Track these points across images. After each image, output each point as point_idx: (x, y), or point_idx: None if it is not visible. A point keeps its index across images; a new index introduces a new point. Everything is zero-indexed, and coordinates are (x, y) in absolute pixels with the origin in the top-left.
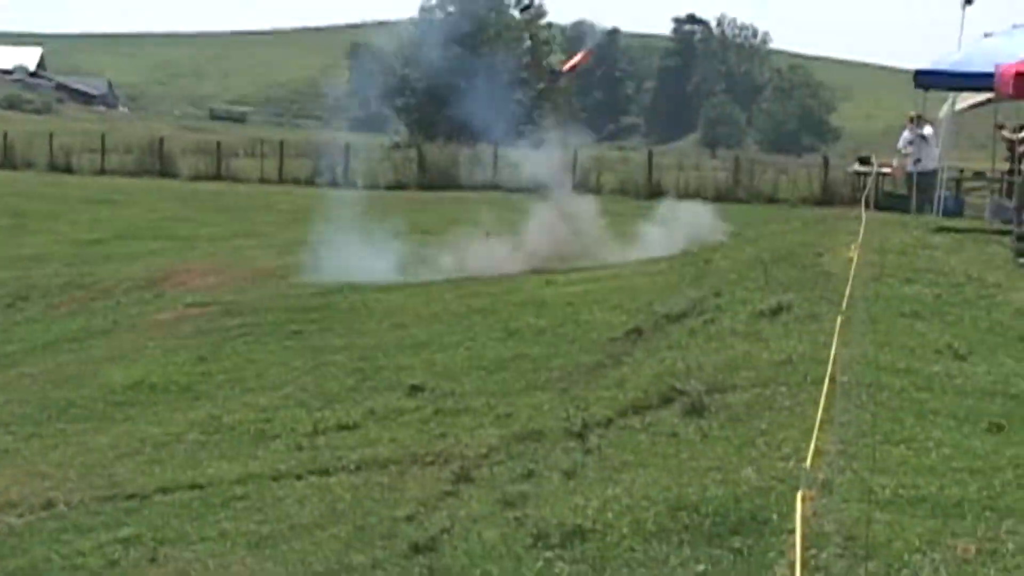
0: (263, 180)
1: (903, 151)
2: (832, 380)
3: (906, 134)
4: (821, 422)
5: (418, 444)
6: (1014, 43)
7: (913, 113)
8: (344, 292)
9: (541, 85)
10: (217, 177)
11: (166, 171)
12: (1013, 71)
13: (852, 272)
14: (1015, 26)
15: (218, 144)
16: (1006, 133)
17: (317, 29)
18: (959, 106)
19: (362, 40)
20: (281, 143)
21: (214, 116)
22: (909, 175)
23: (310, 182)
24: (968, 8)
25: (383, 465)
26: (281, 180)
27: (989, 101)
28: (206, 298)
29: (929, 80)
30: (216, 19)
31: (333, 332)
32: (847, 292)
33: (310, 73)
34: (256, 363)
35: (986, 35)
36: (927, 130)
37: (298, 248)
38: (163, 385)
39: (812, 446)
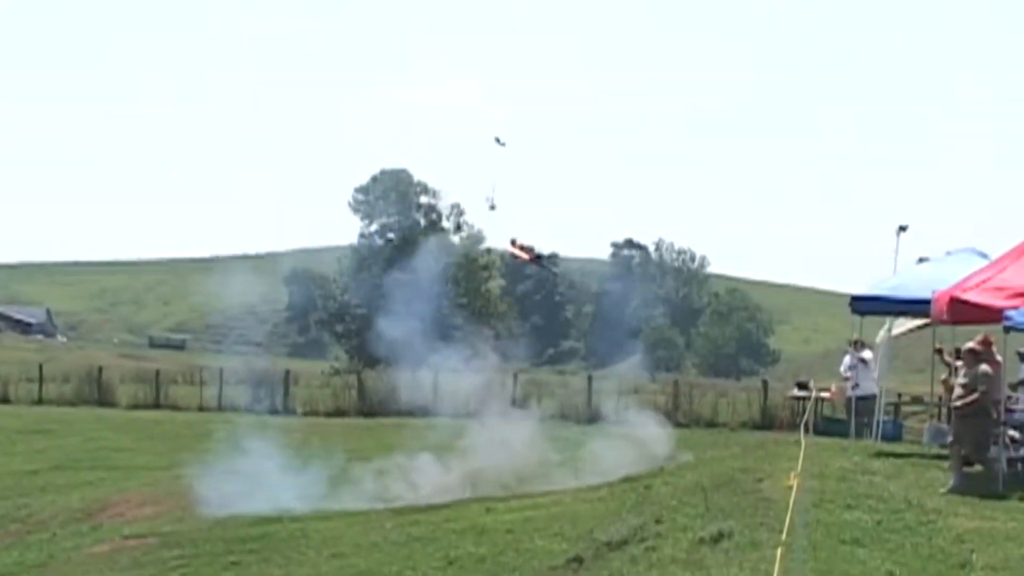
0: (202, 408)
1: (844, 375)
2: None
3: (847, 359)
4: None
5: None
6: (948, 269)
7: (853, 338)
8: (283, 521)
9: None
10: (156, 405)
11: (104, 400)
12: (948, 297)
13: (792, 499)
14: (949, 252)
15: (157, 372)
16: (947, 357)
17: (256, 256)
18: (896, 331)
19: (301, 266)
20: (220, 370)
21: (153, 344)
22: (849, 400)
23: (249, 409)
24: (903, 234)
25: None
26: (220, 407)
27: (926, 326)
28: (143, 529)
29: (865, 305)
30: (154, 246)
31: (272, 563)
32: (787, 519)
33: (249, 299)
34: None
35: (920, 260)
36: (867, 354)
37: (237, 477)
38: None
39: None
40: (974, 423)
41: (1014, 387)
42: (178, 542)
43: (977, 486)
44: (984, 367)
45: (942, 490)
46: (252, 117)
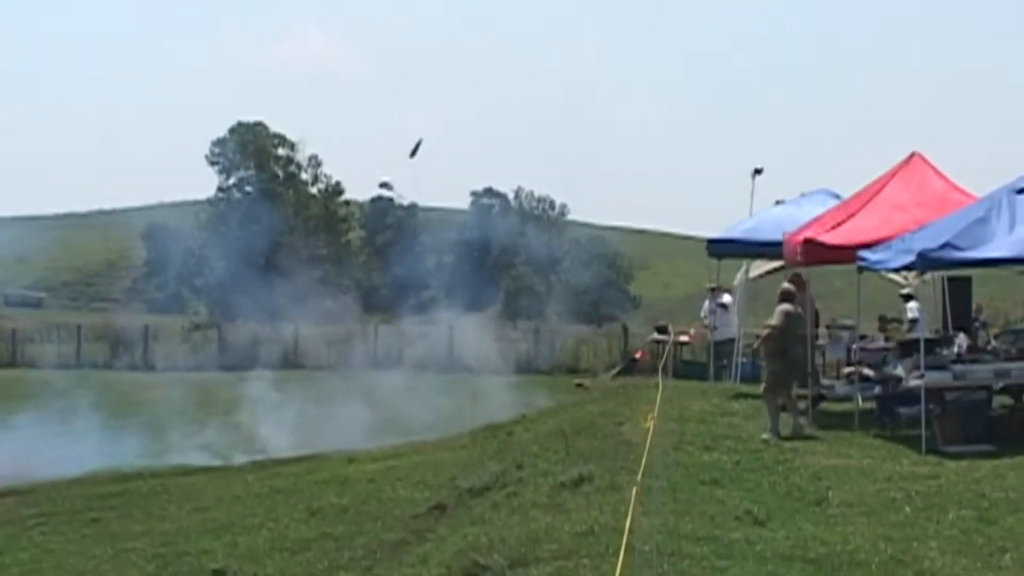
0: (60, 365)
1: (705, 320)
2: (633, 550)
3: (707, 304)
4: None
5: None
6: (802, 211)
7: (712, 284)
8: (143, 477)
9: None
10: (12, 364)
11: None
12: (800, 238)
13: (649, 441)
14: (803, 194)
15: (13, 331)
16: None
17: (112, 211)
18: (753, 273)
19: (158, 222)
20: (78, 327)
21: (8, 302)
22: (708, 343)
23: (108, 366)
24: (758, 177)
25: None
26: (79, 365)
27: (782, 267)
28: (1, 489)
29: (721, 248)
30: (8, 203)
31: (133, 518)
32: (645, 461)
33: (107, 256)
34: (53, 553)
35: (777, 202)
36: (726, 299)
37: (97, 433)
38: None
39: None
40: (769, 363)
41: (845, 327)
42: (36, 500)
43: (834, 425)
44: (783, 306)
45: (763, 435)
46: (107, 68)
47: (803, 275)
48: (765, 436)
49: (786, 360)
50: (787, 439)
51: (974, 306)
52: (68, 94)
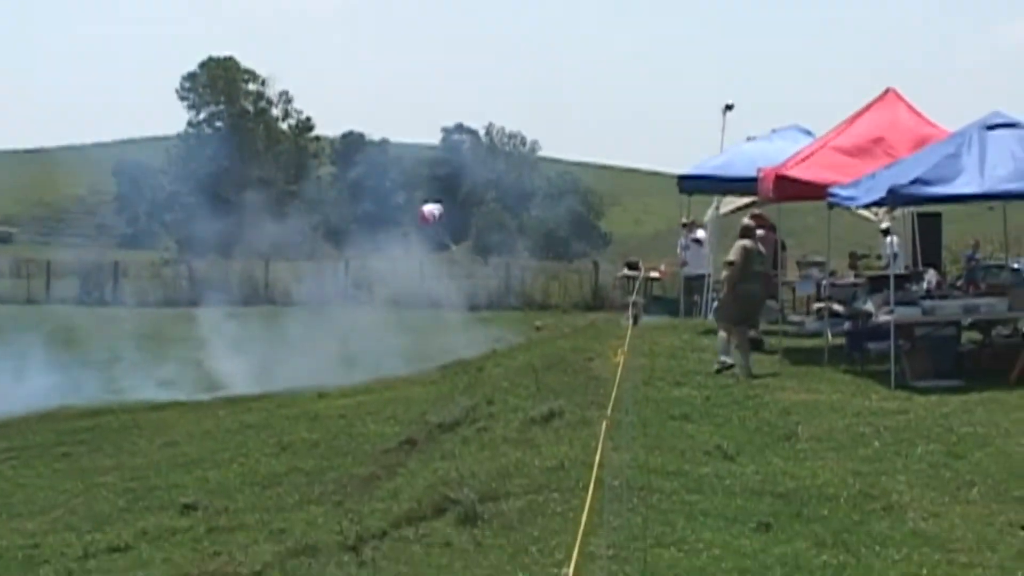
0: (30, 300)
1: (681, 256)
2: (603, 484)
3: (682, 239)
4: (594, 527)
5: (191, 563)
6: (774, 147)
7: (685, 219)
8: (114, 412)
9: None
10: None
11: None
12: (773, 174)
13: (620, 376)
14: (775, 130)
15: None
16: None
17: (82, 147)
18: (723, 209)
19: (128, 157)
20: (48, 263)
21: None
22: (680, 279)
23: (79, 301)
24: (729, 114)
25: None
26: (49, 300)
27: (753, 203)
28: None
29: (692, 184)
30: None
31: (103, 452)
32: (614, 396)
33: (77, 191)
34: (24, 487)
35: (749, 139)
36: (700, 234)
37: (67, 368)
38: None
39: (576, 552)
40: (723, 299)
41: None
42: (7, 435)
43: (804, 360)
44: (741, 242)
45: (715, 366)
46: (76, 2)
47: (775, 212)
48: (716, 365)
49: (735, 294)
50: (755, 376)
51: (972, 241)
52: (36, 28)
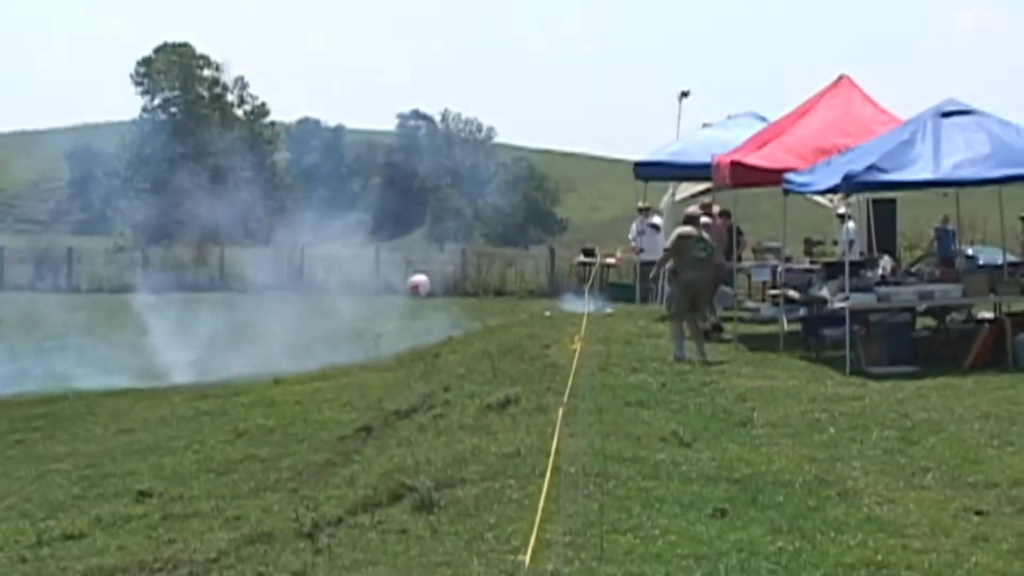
0: None
1: (633, 242)
2: (559, 471)
3: (635, 225)
4: (550, 513)
5: (146, 551)
6: (730, 133)
7: (641, 204)
8: (68, 399)
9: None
10: None
11: None
12: (728, 160)
13: (576, 363)
14: (730, 117)
15: None
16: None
17: (36, 132)
18: (679, 196)
19: (82, 142)
20: (1, 249)
21: None
22: (635, 265)
23: (32, 288)
24: (685, 100)
25: (110, 574)
26: (2, 287)
27: (708, 190)
28: None
29: (648, 171)
30: None
31: (57, 439)
32: (570, 383)
33: (30, 176)
34: None
35: (704, 125)
36: (656, 220)
37: (21, 355)
38: None
39: (532, 539)
40: (671, 290)
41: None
42: None
43: (759, 347)
44: (678, 229)
45: (668, 356)
46: None
47: (731, 199)
48: (671, 357)
49: (679, 282)
50: (710, 363)
51: (941, 217)
52: None
